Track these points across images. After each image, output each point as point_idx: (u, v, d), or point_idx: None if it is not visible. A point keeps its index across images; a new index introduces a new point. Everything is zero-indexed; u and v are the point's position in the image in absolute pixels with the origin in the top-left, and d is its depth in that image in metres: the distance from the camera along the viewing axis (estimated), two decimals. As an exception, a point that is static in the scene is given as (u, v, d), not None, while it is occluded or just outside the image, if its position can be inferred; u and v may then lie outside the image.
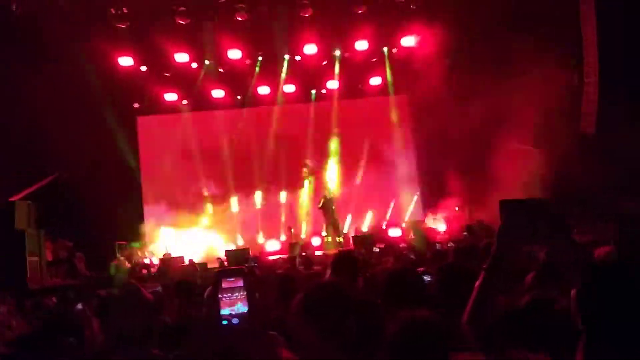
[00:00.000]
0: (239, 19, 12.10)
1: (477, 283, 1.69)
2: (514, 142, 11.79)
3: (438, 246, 8.95)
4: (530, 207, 1.66)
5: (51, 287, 9.54)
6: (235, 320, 1.52)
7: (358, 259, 3.39)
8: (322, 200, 13.77)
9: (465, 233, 11.87)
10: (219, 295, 1.53)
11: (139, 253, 13.29)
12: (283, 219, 15.14)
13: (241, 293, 1.55)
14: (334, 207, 13.70)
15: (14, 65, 11.45)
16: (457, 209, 13.92)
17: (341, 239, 13.25)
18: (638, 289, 1.40)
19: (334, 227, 13.53)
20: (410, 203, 15.62)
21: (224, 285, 1.56)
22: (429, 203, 15.19)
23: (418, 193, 15.68)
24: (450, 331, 1.64)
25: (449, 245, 9.61)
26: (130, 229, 13.80)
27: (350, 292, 2.31)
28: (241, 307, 1.54)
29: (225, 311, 1.52)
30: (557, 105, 11.10)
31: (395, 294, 2.54)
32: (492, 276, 1.67)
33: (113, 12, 11.64)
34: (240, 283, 1.57)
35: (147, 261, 12.86)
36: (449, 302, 1.99)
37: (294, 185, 15.39)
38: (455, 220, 13.71)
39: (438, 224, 14.07)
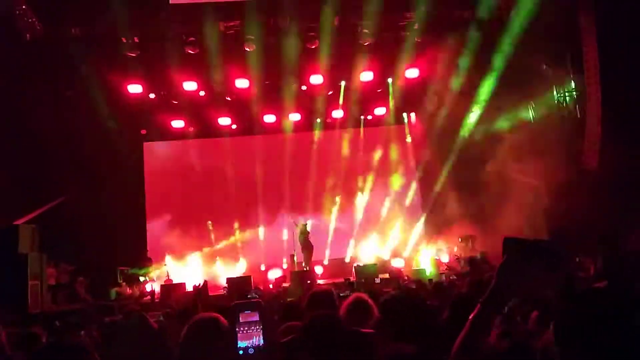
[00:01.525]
0: (247, 49, 12.34)
1: (471, 315, 1.69)
2: (517, 174, 11.87)
3: (443, 277, 8.92)
4: (531, 248, 1.67)
5: (52, 312, 9.50)
6: (250, 351, 1.56)
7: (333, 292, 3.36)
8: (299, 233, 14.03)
9: (467, 266, 11.82)
10: (237, 329, 1.56)
11: (141, 279, 13.22)
12: (285, 246, 15.10)
13: (258, 327, 1.58)
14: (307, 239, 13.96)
15: (24, 90, 11.67)
16: (460, 240, 13.89)
17: (307, 268, 13.47)
18: (616, 315, 1.37)
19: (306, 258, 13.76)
20: (413, 234, 15.59)
21: (242, 319, 1.60)
22: (432, 234, 15.18)
23: (422, 224, 15.68)
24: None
25: (451, 277, 9.59)
26: (133, 254, 13.77)
27: (344, 323, 2.33)
28: (257, 341, 1.57)
29: (242, 344, 1.56)
30: (558, 136, 11.23)
31: (400, 321, 2.51)
32: (487, 310, 1.67)
33: (124, 40, 11.90)
34: (257, 317, 1.60)
35: (148, 288, 12.78)
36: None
37: (296, 213, 15.42)
38: (458, 252, 13.68)
39: (441, 255, 14.01)
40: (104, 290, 12.55)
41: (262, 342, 1.53)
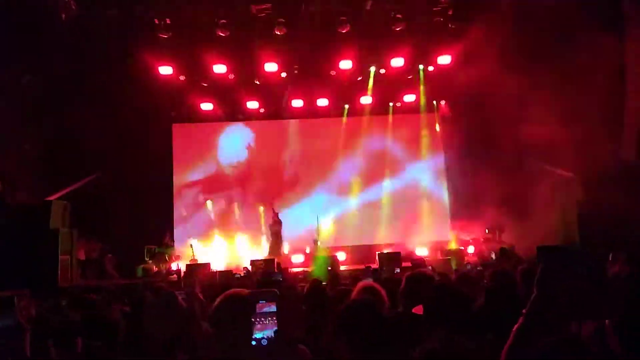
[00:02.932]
0: (278, 33, 12.27)
1: (514, 327, 1.70)
2: (550, 166, 11.56)
3: (469, 267, 8.79)
4: (567, 256, 1.68)
5: (80, 286, 9.75)
6: (264, 342, 1.52)
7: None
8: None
9: (493, 256, 11.63)
10: (252, 319, 1.52)
11: (167, 258, 13.46)
12: (308, 232, 15.10)
13: (274, 318, 1.54)
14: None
15: (58, 69, 11.87)
16: (487, 231, 13.68)
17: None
18: None
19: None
20: (439, 223, 15.43)
21: (258, 309, 1.55)
22: (458, 224, 14.99)
23: (448, 213, 15.50)
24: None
25: (477, 268, 9.44)
26: (160, 234, 14.02)
27: (382, 309, 2.29)
28: (271, 332, 1.54)
29: (258, 334, 1.52)
30: (597, 127, 10.84)
31: (440, 309, 2.48)
32: (531, 321, 1.68)
33: (157, 22, 11.96)
34: (274, 308, 1.55)
35: (174, 267, 13.01)
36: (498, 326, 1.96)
37: (317, 198, 15.47)
38: (485, 243, 13.48)
39: (467, 246, 13.85)
40: (131, 268, 12.83)
41: (275, 334, 1.49)
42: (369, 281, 3.98)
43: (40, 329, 2.72)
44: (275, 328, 1.50)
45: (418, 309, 2.60)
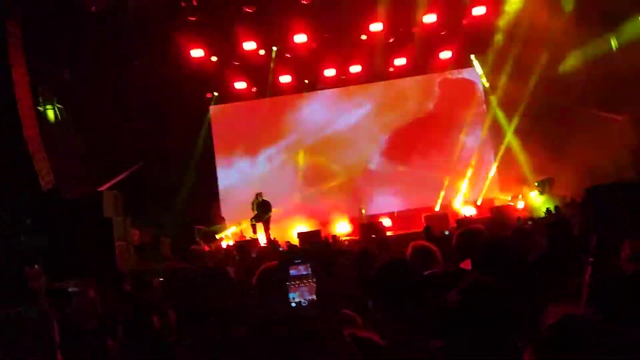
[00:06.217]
0: (304, 2, 12.07)
1: (586, 276, 1.65)
2: (600, 111, 11.01)
3: (520, 222, 8.57)
4: (621, 193, 1.60)
5: (139, 270, 10.14)
6: (304, 303, 1.47)
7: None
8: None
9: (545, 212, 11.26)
10: (287, 283, 1.47)
11: (217, 237, 13.79)
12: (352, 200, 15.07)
13: (309, 281, 1.48)
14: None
15: (96, 62, 12.14)
16: (536, 184, 13.27)
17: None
18: None
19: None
20: (484, 181, 15.07)
21: (292, 273, 1.50)
22: (506, 181, 14.60)
23: (494, 169, 15.07)
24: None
25: (528, 222, 9.20)
26: (208, 214, 14.36)
27: (415, 269, 2.25)
28: (309, 295, 1.48)
29: (295, 297, 1.47)
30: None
31: (494, 260, 2.43)
32: (600, 268, 1.63)
33: (183, 5, 11.99)
34: (308, 270, 1.49)
35: (224, 245, 13.31)
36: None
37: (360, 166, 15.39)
38: (535, 197, 13.10)
39: (517, 202, 13.50)
40: (184, 249, 13.22)
41: (314, 296, 1.44)
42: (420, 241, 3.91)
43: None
44: (312, 291, 1.45)
45: (466, 264, 2.55)
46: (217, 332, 2.02)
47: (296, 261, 1.47)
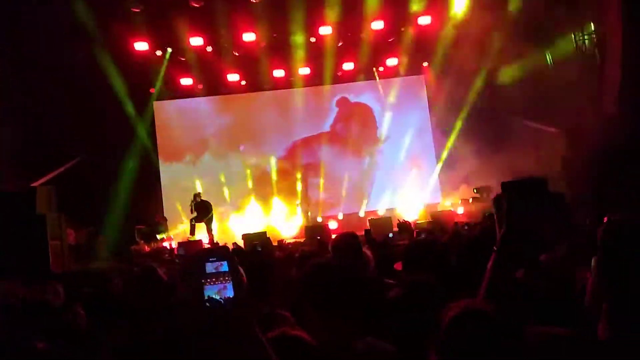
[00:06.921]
0: (253, 1, 11.98)
1: (488, 264, 1.69)
2: (535, 123, 11.59)
3: (457, 227, 8.86)
4: (530, 187, 1.70)
5: (75, 271, 9.70)
6: (219, 301, 1.36)
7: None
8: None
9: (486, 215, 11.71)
10: (202, 280, 1.37)
11: (158, 237, 13.44)
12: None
13: (226, 278, 1.38)
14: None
15: (30, 51, 11.53)
16: (475, 190, 13.79)
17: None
18: None
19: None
20: (426, 187, 15.51)
21: (208, 269, 1.39)
22: (447, 186, 15.10)
23: (436, 176, 15.56)
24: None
25: (465, 227, 9.53)
26: (149, 214, 13.96)
27: (346, 269, 2.30)
28: (227, 293, 1.39)
29: (210, 294, 1.36)
30: (578, 83, 10.82)
31: (415, 260, 2.51)
32: (503, 257, 1.68)
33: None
34: (225, 267, 1.40)
35: (166, 245, 13.00)
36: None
37: (311, 169, 15.46)
38: (473, 203, 13.59)
39: (456, 208, 13.97)
40: (122, 249, 12.79)
41: (232, 293, 1.37)
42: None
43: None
44: (230, 289, 1.37)
45: (398, 265, 2.62)
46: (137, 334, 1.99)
47: (211, 258, 1.40)
